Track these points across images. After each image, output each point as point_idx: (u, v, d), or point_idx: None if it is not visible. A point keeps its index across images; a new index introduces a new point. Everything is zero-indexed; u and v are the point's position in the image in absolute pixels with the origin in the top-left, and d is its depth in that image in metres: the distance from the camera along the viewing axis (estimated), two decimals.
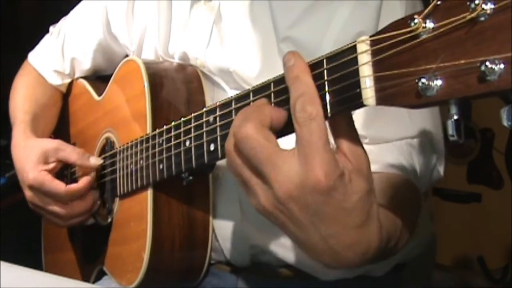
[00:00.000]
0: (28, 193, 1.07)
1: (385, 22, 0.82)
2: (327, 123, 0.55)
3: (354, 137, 0.56)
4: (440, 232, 1.77)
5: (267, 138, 0.54)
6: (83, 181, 1.03)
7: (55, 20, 1.29)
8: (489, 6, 0.43)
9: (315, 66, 0.56)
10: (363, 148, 0.57)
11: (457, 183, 1.82)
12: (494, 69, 0.43)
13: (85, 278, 1.13)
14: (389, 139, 0.86)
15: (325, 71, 0.55)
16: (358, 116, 0.82)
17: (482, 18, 0.44)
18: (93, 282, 1.10)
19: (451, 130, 0.47)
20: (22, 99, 1.21)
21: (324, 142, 0.52)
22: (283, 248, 0.93)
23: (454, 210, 1.77)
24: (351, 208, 0.53)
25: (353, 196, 0.53)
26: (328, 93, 0.54)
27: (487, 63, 0.43)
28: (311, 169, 0.51)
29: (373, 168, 0.81)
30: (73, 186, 1.03)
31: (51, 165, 1.06)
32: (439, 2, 0.47)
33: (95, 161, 1.05)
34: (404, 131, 0.86)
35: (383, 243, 0.59)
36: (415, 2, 0.87)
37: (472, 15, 0.44)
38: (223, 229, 0.95)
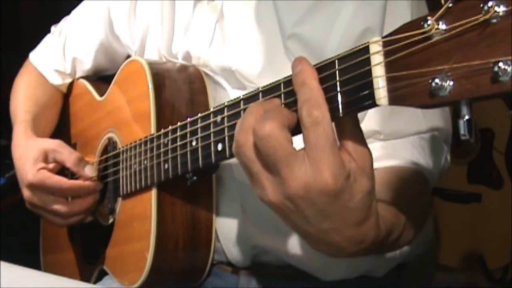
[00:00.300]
0: (26, 193, 1.06)
1: (390, 17, 0.83)
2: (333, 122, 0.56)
3: (359, 137, 0.58)
4: (440, 232, 1.78)
5: (287, 139, 0.56)
6: (91, 183, 1.04)
7: (55, 20, 1.29)
8: (501, 9, 0.44)
9: (326, 67, 0.57)
10: (367, 147, 0.59)
11: (457, 183, 1.82)
12: (506, 70, 0.43)
13: (85, 279, 1.13)
14: (403, 134, 0.88)
15: (337, 72, 0.55)
16: (373, 113, 0.85)
17: (495, 20, 0.45)
18: (94, 283, 1.10)
19: (463, 130, 0.48)
20: (23, 98, 1.21)
21: (330, 146, 0.54)
22: (285, 248, 0.93)
23: (454, 210, 1.78)
24: (354, 207, 0.57)
25: (357, 195, 0.56)
26: (340, 93, 0.55)
27: (500, 64, 0.43)
28: (319, 172, 0.54)
29: (389, 163, 0.84)
30: (78, 182, 1.03)
31: (51, 165, 1.06)
32: (451, 4, 0.48)
33: (89, 172, 1.05)
34: (418, 126, 0.88)
35: (380, 236, 0.62)
36: (420, 2, 0.88)
37: (485, 17, 0.45)
38: (224, 229, 0.95)
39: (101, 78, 1.24)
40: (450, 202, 1.81)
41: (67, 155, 1.06)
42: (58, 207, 1.03)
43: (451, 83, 0.47)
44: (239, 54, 0.91)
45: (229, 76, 0.93)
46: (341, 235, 0.58)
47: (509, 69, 0.43)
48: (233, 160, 0.90)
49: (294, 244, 0.92)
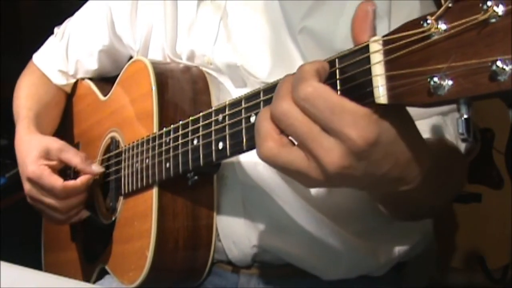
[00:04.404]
0: (26, 186, 1.07)
1: (396, 4, 0.83)
2: None
3: None
4: (440, 232, 1.77)
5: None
6: (81, 179, 1.03)
7: (56, 20, 1.29)
8: (500, 8, 0.45)
9: None
10: None
11: None
12: (505, 69, 0.44)
13: (86, 278, 1.13)
14: (427, 114, 0.85)
15: (337, 70, 0.56)
16: None
17: (493, 20, 0.45)
18: (94, 282, 1.10)
19: (461, 128, 0.49)
20: (25, 97, 1.22)
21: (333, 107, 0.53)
22: (285, 248, 0.93)
23: (454, 210, 1.77)
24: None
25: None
26: (340, 91, 0.55)
27: (498, 63, 0.44)
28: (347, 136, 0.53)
29: None
30: (70, 183, 1.03)
31: (52, 162, 1.06)
32: (450, 4, 0.48)
33: (96, 168, 1.06)
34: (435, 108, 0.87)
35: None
36: None
37: (484, 16, 0.45)
38: (226, 229, 0.96)
39: (105, 79, 1.24)
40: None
41: (73, 155, 1.06)
42: (54, 202, 1.04)
43: (450, 82, 0.47)
44: (244, 50, 0.91)
45: (234, 74, 0.93)
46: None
47: (507, 68, 0.44)
48: (236, 160, 0.91)
49: (294, 244, 0.93)
